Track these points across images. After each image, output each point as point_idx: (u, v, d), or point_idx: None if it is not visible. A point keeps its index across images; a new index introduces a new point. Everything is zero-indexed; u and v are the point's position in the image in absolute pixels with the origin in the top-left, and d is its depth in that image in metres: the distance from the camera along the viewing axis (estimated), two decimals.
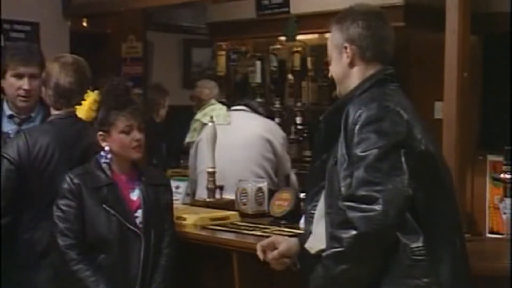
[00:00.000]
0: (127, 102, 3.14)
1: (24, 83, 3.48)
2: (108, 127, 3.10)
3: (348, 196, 2.27)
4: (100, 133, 3.11)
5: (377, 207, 2.19)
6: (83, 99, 3.16)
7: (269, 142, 4.21)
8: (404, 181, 2.23)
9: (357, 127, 2.30)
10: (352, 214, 2.22)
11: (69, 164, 3.16)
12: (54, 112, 3.33)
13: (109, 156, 3.11)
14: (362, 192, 2.23)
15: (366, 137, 2.27)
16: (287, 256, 2.60)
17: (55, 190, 3.12)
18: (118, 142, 3.10)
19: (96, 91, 3.15)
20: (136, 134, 3.11)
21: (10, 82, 3.53)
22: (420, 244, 2.24)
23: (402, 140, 2.28)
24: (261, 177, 4.03)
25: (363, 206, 2.21)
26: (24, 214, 3.18)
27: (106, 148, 3.11)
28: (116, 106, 3.10)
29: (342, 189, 2.32)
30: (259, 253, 2.63)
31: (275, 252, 2.59)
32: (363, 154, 2.26)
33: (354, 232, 2.21)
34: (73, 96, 3.25)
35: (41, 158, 3.17)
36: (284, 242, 2.62)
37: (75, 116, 3.22)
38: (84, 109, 3.13)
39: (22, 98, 3.52)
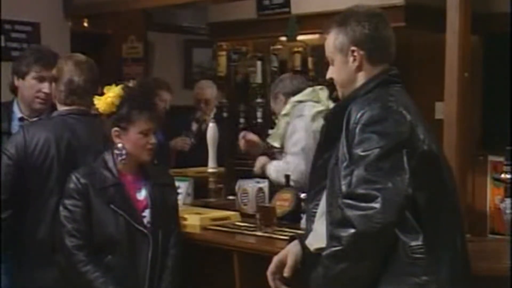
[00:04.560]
0: (152, 105, 3.13)
1: (45, 86, 3.50)
2: (127, 125, 3.06)
3: (347, 194, 2.26)
4: (116, 129, 3.08)
5: (376, 205, 2.18)
6: (91, 98, 3.15)
7: None
8: (404, 180, 2.22)
9: (359, 127, 2.29)
10: (350, 213, 2.21)
11: (66, 161, 3.16)
12: (60, 108, 3.32)
13: (124, 152, 3.08)
14: (361, 191, 2.22)
15: (368, 137, 2.26)
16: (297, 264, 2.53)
17: (52, 187, 3.12)
18: (134, 141, 3.08)
19: (120, 86, 3.11)
20: (152, 138, 3.11)
21: (31, 84, 3.54)
22: (420, 243, 2.24)
23: (405, 140, 2.27)
24: None
25: (362, 204, 2.20)
26: (27, 210, 3.18)
27: (119, 145, 3.08)
28: (141, 106, 3.07)
29: (343, 187, 2.31)
30: (272, 283, 2.52)
31: (287, 270, 2.50)
32: (364, 153, 2.25)
33: (353, 231, 2.20)
34: (83, 95, 3.26)
35: (38, 153, 3.15)
36: (290, 255, 2.52)
37: (77, 113, 3.24)
38: (105, 102, 3.07)
39: (41, 101, 3.54)
